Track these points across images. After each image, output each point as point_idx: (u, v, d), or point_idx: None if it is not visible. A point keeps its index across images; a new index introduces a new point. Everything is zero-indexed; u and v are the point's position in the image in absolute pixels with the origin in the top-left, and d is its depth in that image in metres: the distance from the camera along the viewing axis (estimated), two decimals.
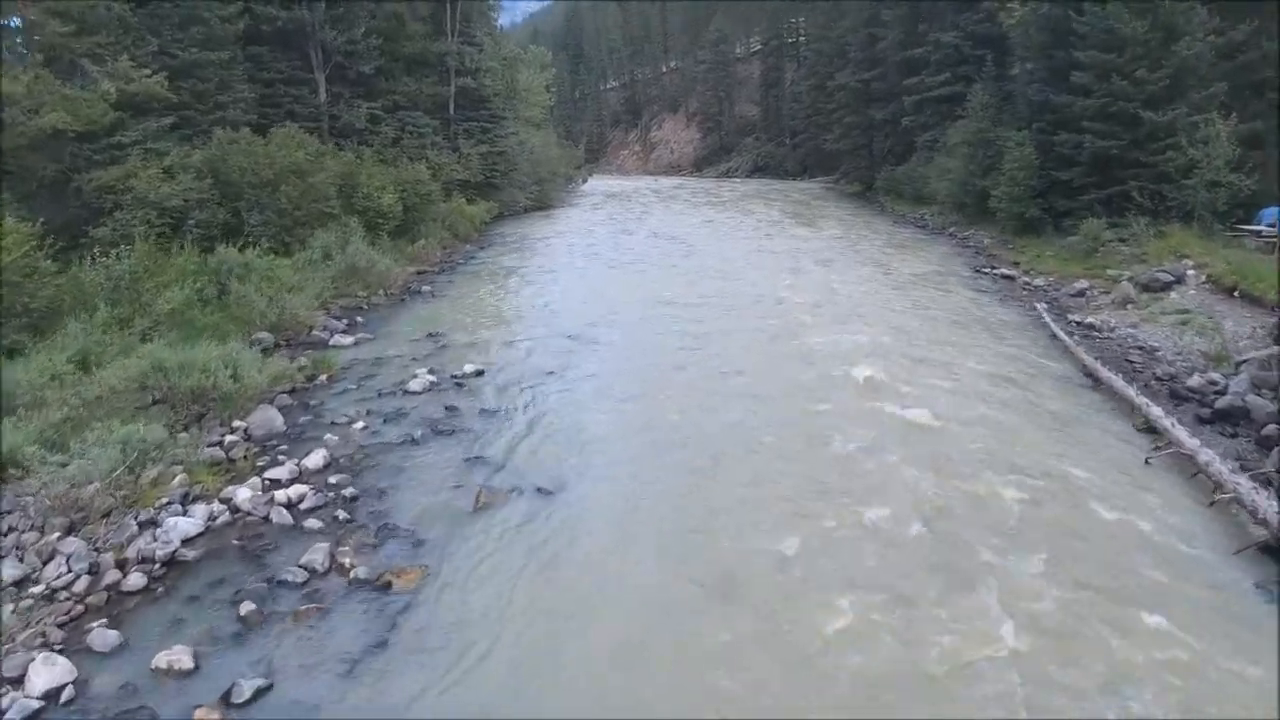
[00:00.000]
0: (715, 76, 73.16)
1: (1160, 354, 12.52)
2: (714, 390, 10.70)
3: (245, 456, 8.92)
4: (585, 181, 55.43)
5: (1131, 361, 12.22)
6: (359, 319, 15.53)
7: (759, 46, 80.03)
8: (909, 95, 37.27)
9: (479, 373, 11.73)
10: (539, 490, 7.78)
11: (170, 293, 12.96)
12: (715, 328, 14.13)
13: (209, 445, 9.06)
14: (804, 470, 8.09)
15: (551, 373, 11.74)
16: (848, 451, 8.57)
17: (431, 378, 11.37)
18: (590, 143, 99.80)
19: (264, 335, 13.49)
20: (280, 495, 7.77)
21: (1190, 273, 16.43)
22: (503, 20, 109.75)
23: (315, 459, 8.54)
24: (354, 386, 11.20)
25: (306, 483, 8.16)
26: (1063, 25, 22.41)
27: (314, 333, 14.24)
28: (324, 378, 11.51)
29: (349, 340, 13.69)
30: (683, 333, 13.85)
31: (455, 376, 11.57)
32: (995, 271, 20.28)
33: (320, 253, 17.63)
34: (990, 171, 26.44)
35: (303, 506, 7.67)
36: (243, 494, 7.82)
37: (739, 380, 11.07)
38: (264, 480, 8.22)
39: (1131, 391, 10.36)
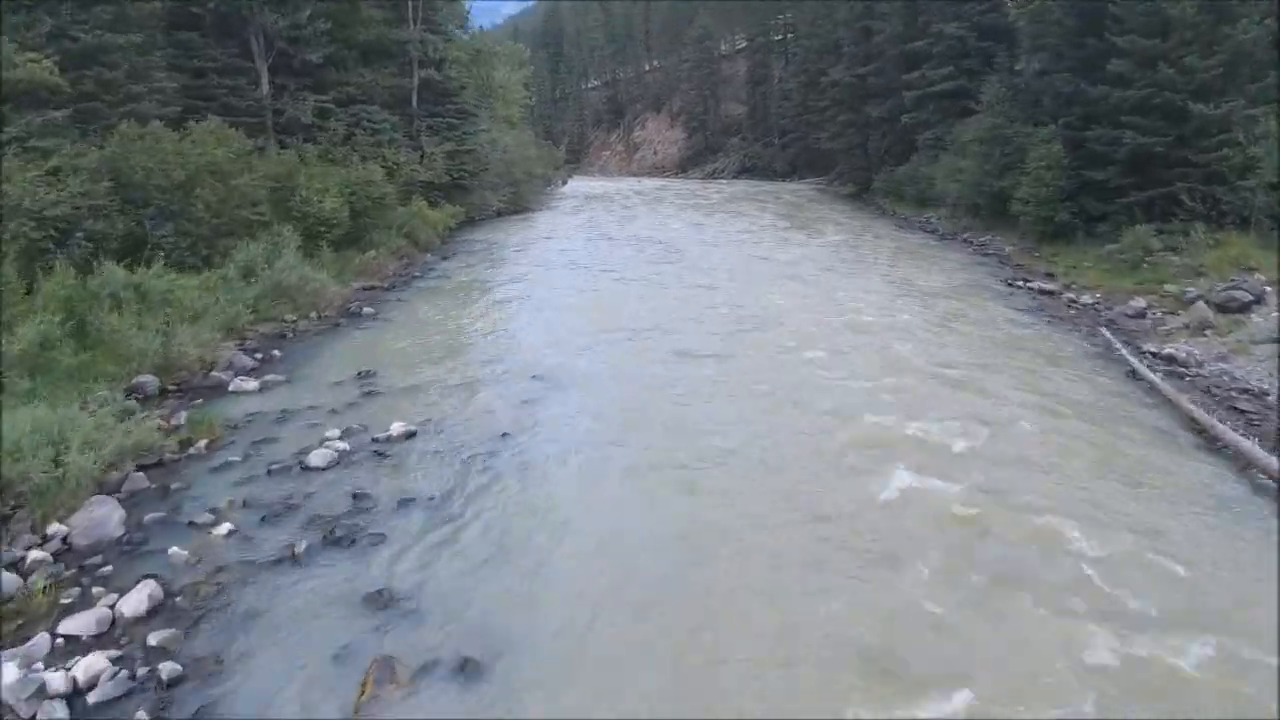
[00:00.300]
0: (699, 75, 70.64)
1: (1273, 399, 10.01)
2: (718, 469, 8.00)
3: (46, 588, 6.11)
4: (565, 183, 52.66)
5: (1243, 411, 9.69)
6: (277, 352, 12.68)
7: (744, 44, 77.68)
8: (909, 91, 34.87)
9: (409, 434, 8.97)
10: (464, 666, 5.02)
11: (24, 328, 10.09)
12: (715, 369, 11.43)
13: (4, 566, 6.26)
14: (849, 632, 5.40)
15: (506, 434, 9.00)
16: (911, 591, 5.89)
17: (343, 444, 8.58)
18: (571, 143, 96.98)
19: (147, 379, 10.64)
20: (58, 680, 4.96)
21: (1268, 289, 14.00)
22: (483, 22, 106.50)
23: (136, 600, 5.73)
24: (239, 458, 8.38)
25: (115, 645, 5.37)
26: (1094, 9, 20.02)
27: (214, 373, 11.38)
28: (203, 444, 8.69)
29: (253, 385, 10.84)
30: (675, 375, 11.15)
31: (377, 440, 8.80)
32: (1030, 285, 17.77)
33: (239, 269, 14.75)
34: (1008, 171, 24.03)
35: (92, 699, 4.88)
36: (7, 674, 5.01)
37: (755, 454, 8.37)
38: (55, 639, 5.44)
39: (1276, 464, 7.79)
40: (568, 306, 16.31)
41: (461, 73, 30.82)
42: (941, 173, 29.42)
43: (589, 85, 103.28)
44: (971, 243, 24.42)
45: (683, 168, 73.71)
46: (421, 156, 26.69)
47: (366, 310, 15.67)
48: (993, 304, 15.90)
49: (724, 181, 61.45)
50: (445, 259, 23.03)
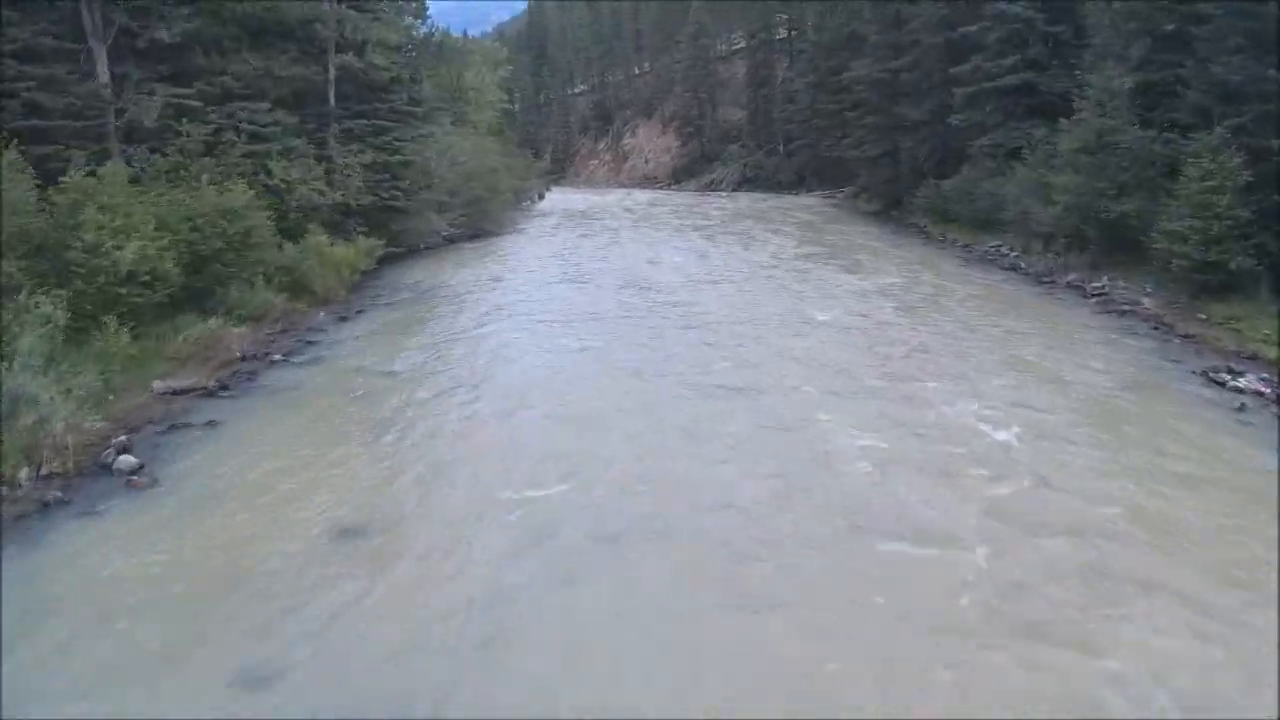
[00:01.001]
0: (694, 76, 64.10)
1: None
2: None
3: None
4: (542, 197, 45.81)
5: None
6: None
7: (742, 44, 71.25)
8: (958, 87, 28.34)
9: None
10: None
11: None
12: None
13: None
14: None
15: None
16: None
17: None
18: (556, 151, 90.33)
19: None
20: None
21: None
22: (472, 31, 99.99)
23: None
24: None
25: None
26: None
27: None
28: None
29: None
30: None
31: None
32: (1242, 382, 11.04)
33: None
34: (1132, 191, 17.45)
35: None
36: None
37: None
38: None
39: None
40: (505, 434, 9.53)
41: (399, 62, 23.94)
42: (1017, 189, 22.80)
43: (575, 90, 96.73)
44: (1083, 289, 17.72)
45: (677, 178, 67.11)
46: (327, 172, 19.80)
47: (121, 463, 8.68)
48: (1212, 432, 9.21)
49: (724, 194, 54.83)
50: (345, 319, 16.14)
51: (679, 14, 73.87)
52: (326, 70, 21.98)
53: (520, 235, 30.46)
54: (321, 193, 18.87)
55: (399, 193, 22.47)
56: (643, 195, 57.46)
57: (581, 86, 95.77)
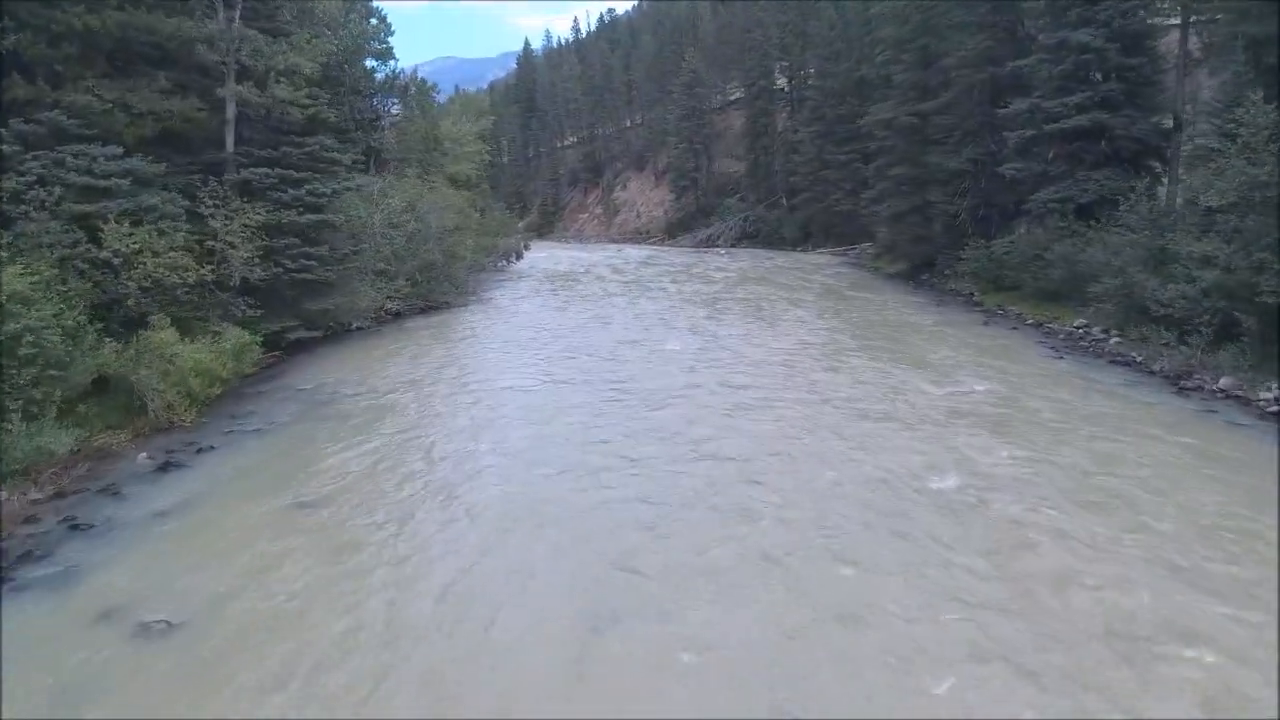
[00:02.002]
0: (689, 127, 60.18)
1: None
2: None
3: None
4: (520, 257, 40.78)
5: None
6: None
7: (739, 94, 67.89)
8: (1009, 131, 23.67)
9: None
10: None
11: None
12: None
13: None
14: None
15: None
16: None
17: None
18: (545, 205, 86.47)
19: None
20: None
21: None
22: (467, 88, 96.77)
23: None
24: None
25: None
26: None
27: None
28: None
29: None
30: None
31: None
32: None
33: None
34: None
35: None
36: None
37: None
38: None
39: None
40: None
41: (322, 98, 18.97)
42: (1110, 256, 17.75)
43: (565, 143, 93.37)
44: (1251, 402, 12.44)
45: (671, 233, 62.65)
46: (201, 240, 14.54)
47: None
48: None
49: (722, 251, 50.14)
50: (172, 465, 10.57)
51: (672, 64, 70.69)
52: (223, 107, 16.98)
53: (483, 308, 25.18)
54: (184, 268, 13.56)
55: (313, 262, 17.19)
56: (634, 252, 52.73)
57: (571, 139, 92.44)
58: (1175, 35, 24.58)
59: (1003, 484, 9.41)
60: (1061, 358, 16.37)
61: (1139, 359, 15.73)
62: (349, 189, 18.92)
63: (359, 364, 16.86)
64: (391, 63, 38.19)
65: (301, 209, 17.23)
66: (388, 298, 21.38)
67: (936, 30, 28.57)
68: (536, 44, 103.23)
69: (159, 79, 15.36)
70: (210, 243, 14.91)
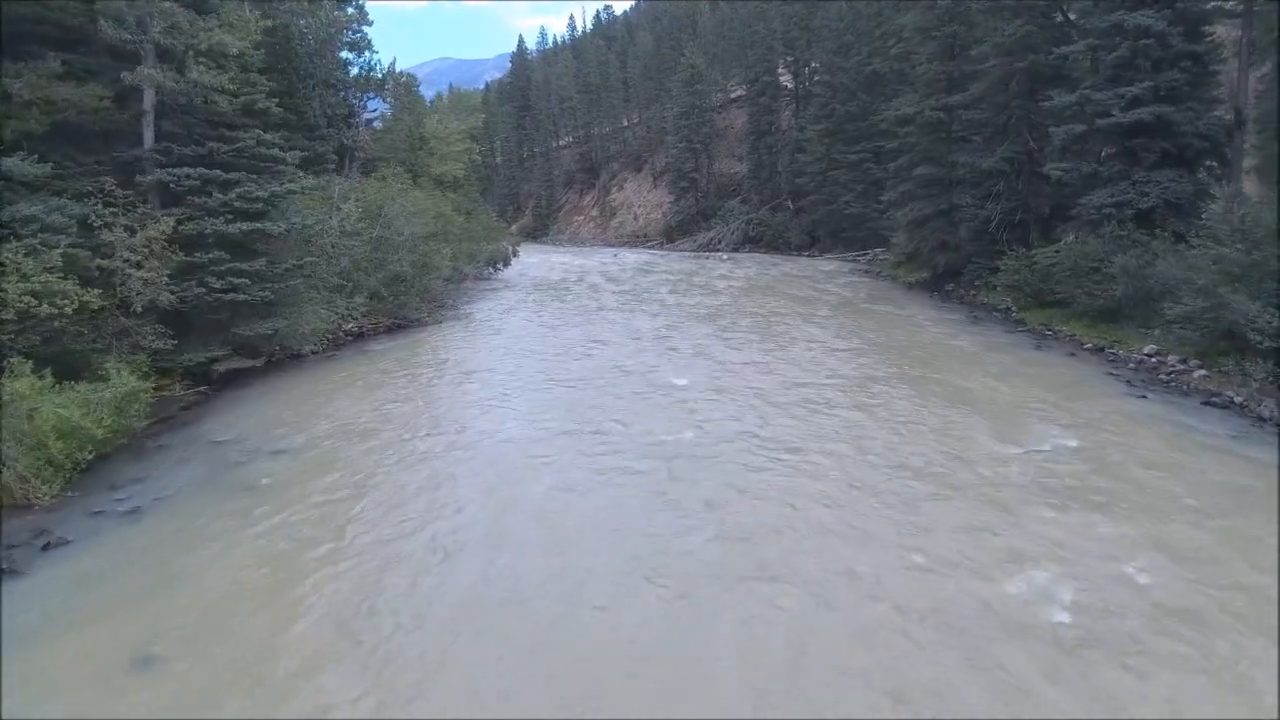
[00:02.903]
0: (688, 126, 57.34)
1: None
2: None
3: None
4: (507, 264, 37.89)
5: None
6: None
7: (740, 92, 65.21)
8: (1057, 125, 20.92)
9: None
10: None
11: None
12: None
13: None
14: None
15: None
16: None
17: None
18: (539, 207, 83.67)
19: None
20: None
21: None
22: (466, 88, 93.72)
23: None
24: None
25: None
26: None
27: None
28: None
29: None
30: None
31: None
32: None
33: None
34: None
35: None
36: None
37: None
38: None
39: None
40: None
41: (255, 86, 16.12)
42: (1188, 272, 15.00)
43: (560, 143, 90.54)
44: None
45: (670, 236, 59.88)
46: (94, 253, 11.74)
47: None
48: None
49: (724, 256, 47.36)
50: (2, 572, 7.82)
51: (670, 60, 67.96)
52: (145, 95, 14.14)
53: (460, 326, 22.31)
54: (59, 295, 10.73)
55: (243, 279, 14.36)
56: (631, 257, 49.94)
57: (567, 139, 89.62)
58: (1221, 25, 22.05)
59: (1160, 624, 6.63)
60: (1144, 396, 13.57)
61: (1237, 399, 12.97)
62: (294, 191, 16.04)
63: (299, 402, 14.03)
64: (370, 55, 35.45)
65: (231, 216, 14.39)
66: (345, 317, 18.52)
67: (966, 16, 25.82)
68: (532, 43, 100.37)
69: (50, 61, 12.52)
70: (102, 262, 12.07)
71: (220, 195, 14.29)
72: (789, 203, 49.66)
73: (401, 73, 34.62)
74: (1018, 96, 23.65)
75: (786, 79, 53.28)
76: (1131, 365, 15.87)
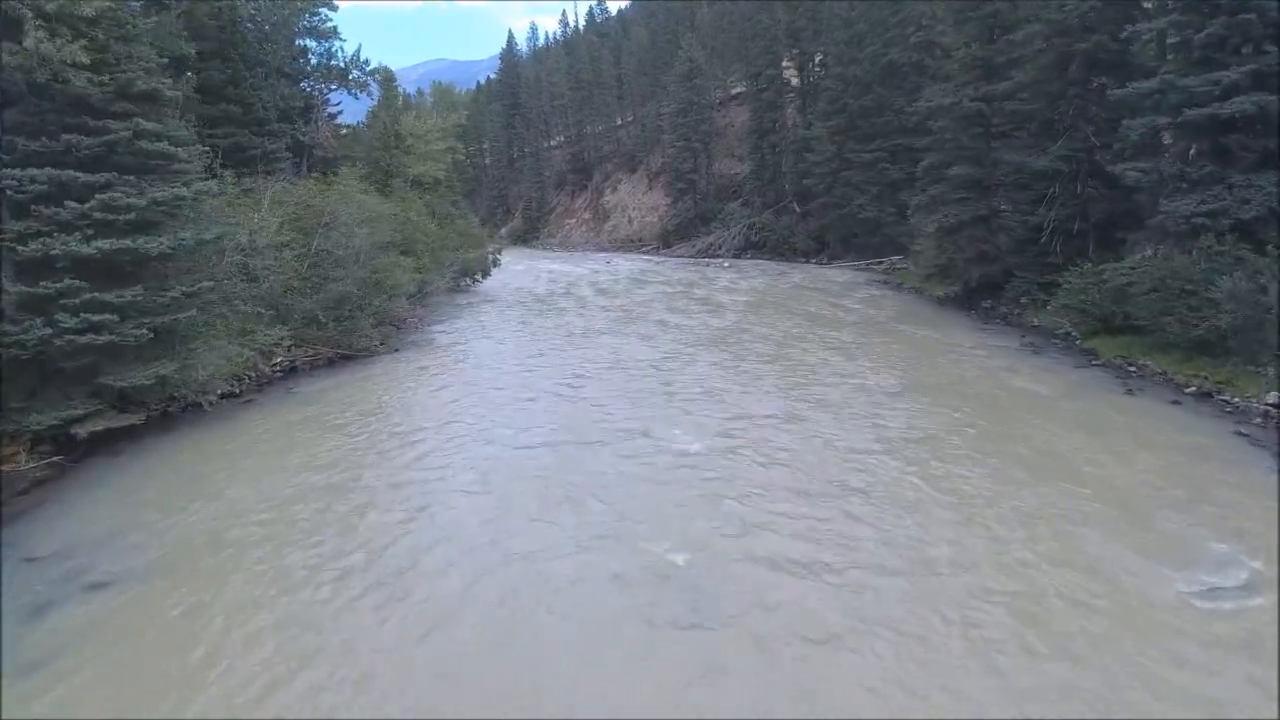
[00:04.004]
0: (686, 124, 53.86)
1: None
2: None
3: None
4: (486, 275, 34.21)
5: None
6: None
7: (741, 88, 61.83)
8: (1134, 118, 17.51)
9: None
10: None
11: None
12: None
13: None
14: None
15: None
16: None
17: None
18: (529, 209, 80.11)
19: None
20: None
21: None
22: (459, 89, 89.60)
23: None
24: None
25: None
26: None
27: None
28: None
29: None
30: None
31: None
32: None
33: None
34: None
35: None
36: None
37: None
38: None
39: None
40: None
41: (131, 61, 12.57)
42: None
43: (551, 143, 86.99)
44: None
45: (666, 241, 56.40)
46: None
47: None
48: None
49: (726, 264, 43.90)
50: None
51: (666, 55, 64.46)
52: None
53: (416, 356, 18.75)
54: None
55: (110, 315, 10.83)
56: (625, 264, 46.46)
57: (558, 138, 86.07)
58: None
59: None
60: None
61: None
62: (184, 198, 12.46)
63: (175, 482, 10.51)
64: (334, 43, 31.90)
65: (92, 231, 10.87)
66: (266, 352, 14.94)
67: None
68: (523, 40, 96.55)
69: None
70: None
71: (77, 204, 10.76)
72: (795, 206, 46.22)
73: (366, 61, 30.98)
74: (1074, 84, 20.26)
75: (791, 73, 49.85)
76: (1257, 419, 12.47)
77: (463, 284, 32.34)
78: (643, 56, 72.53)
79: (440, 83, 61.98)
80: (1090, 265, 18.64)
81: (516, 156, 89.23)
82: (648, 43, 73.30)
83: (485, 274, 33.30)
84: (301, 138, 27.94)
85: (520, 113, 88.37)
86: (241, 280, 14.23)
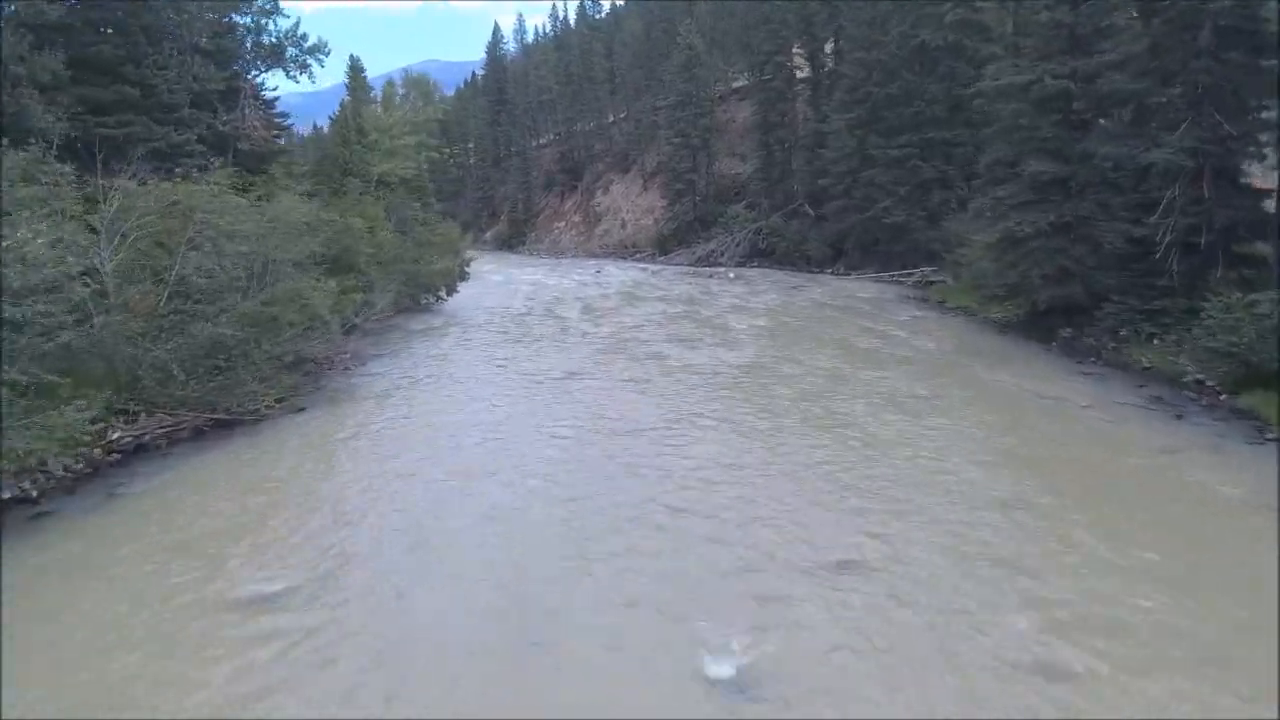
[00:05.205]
0: (685, 117, 48.96)
1: None
2: None
3: None
4: (451, 293, 29.01)
5: None
6: None
7: (743, 81, 57.16)
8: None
9: None
10: None
11: None
12: None
13: None
14: None
15: None
16: None
17: None
18: (514, 212, 75.15)
19: None
20: None
21: None
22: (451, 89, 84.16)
23: None
24: None
25: None
26: None
27: None
28: None
29: None
30: None
31: None
32: None
33: None
34: None
35: None
36: None
37: None
38: None
39: None
40: None
41: None
42: None
43: (539, 142, 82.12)
44: None
45: (663, 247, 51.58)
46: None
47: None
48: None
49: (731, 274, 39.04)
50: None
51: (662, 46, 59.61)
52: None
53: (323, 417, 13.63)
54: None
55: None
56: (618, 273, 41.60)
57: (547, 137, 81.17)
58: None
59: None
60: None
61: None
62: None
63: None
64: (271, 19, 26.79)
65: None
66: (68, 442, 9.91)
67: None
68: (509, 33, 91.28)
69: None
70: None
71: None
72: (807, 208, 41.46)
73: (303, 36, 25.95)
74: (1200, 56, 15.50)
75: (800, 63, 45.09)
76: None
77: (426, 302, 27.40)
78: (637, 48, 67.60)
79: (413, 72, 56.90)
80: (1239, 296, 13.85)
81: (502, 156, 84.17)
82: (642, 34, 68.43)
83: (450, 290, 28.25)
84: (223, 128, 22.96)
85: (507, 109, 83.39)
86: (62, 323, 9.32)
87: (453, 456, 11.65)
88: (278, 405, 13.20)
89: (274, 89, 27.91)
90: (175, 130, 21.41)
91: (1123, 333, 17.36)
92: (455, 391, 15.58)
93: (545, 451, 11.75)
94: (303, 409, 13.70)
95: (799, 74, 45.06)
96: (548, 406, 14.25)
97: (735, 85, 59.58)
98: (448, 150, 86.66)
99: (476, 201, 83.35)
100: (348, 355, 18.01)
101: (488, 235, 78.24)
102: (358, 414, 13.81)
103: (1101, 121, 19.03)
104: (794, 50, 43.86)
